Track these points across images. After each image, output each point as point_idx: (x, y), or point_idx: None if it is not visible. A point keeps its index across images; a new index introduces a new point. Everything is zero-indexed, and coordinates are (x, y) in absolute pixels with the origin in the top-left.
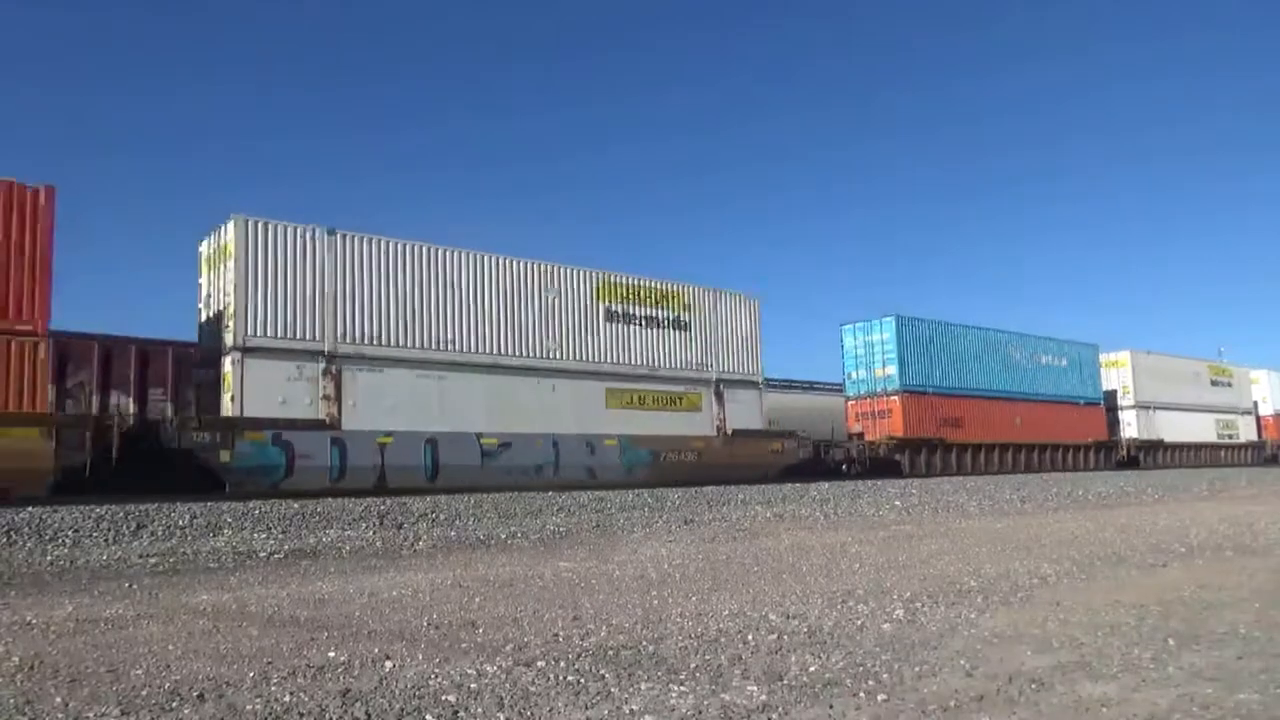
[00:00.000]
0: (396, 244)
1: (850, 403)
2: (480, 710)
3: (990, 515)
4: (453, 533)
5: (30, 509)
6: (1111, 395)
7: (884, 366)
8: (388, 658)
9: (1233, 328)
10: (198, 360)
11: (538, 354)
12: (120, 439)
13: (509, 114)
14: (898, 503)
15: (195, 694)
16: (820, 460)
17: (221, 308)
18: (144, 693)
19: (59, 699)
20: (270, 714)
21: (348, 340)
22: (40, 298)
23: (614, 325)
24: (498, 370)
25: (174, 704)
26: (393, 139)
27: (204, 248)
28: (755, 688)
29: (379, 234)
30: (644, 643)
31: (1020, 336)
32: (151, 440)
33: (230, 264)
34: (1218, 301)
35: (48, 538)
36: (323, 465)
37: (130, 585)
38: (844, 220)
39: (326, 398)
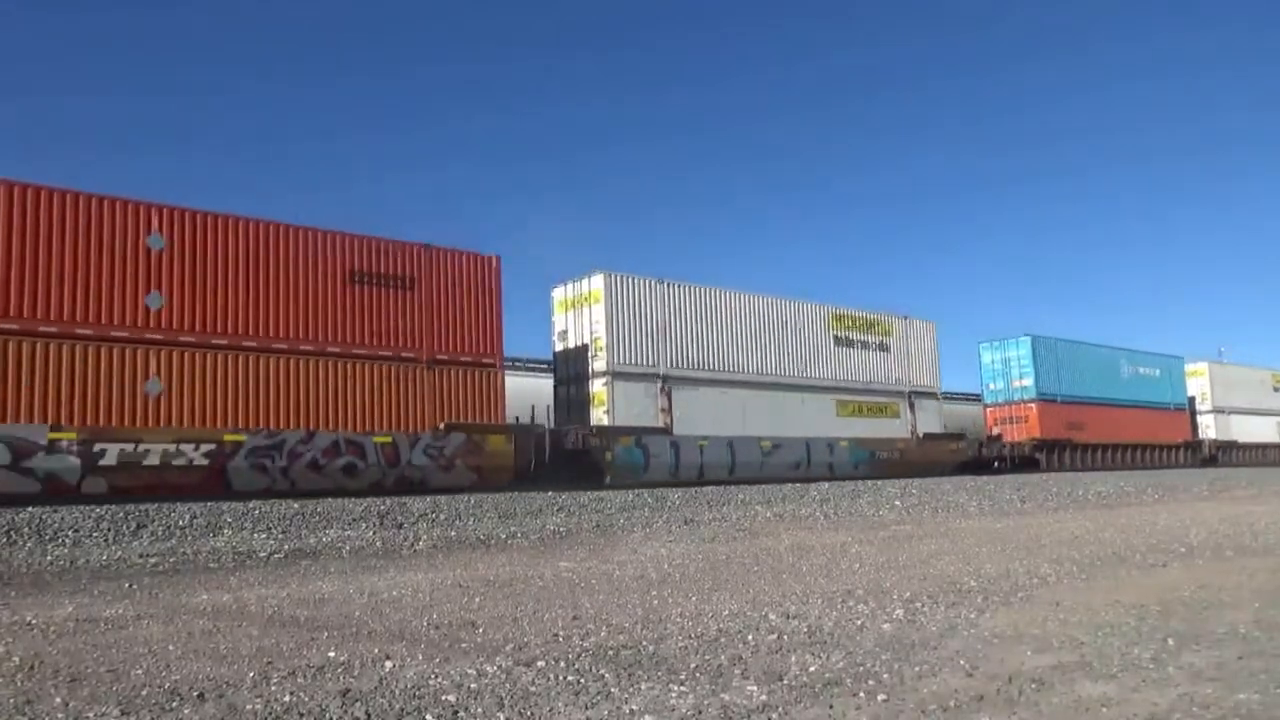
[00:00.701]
0: (701, 289)
1: (989, 409)
2: (480, 710)
3: (990, 515)
4: (453, 533)
5: (30, 509)
6: (1192, 401)
7: (1020, 378)
8: (388, 658)
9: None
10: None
11: (795, 374)
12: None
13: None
14: (898, 503)
15: (195, 694)
16: (979, 457)
17: (589, 340)
18: (144, 693)
19: (59, 699)
20: (270, 714)
21: (674, 366)
22: (496, 339)
23: (840, 349)
24: (771, 387)
25: (174, 704)
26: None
27: (560, 293)
28: (755, 688)
29: (690, 281)
30: (644, 643)
31: (1125, 351)
32: (558, 445)
33: (598, 308)
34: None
35: (48, 538)
36: (666, 463)
37: (130, 585)
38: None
39: (663, 410)
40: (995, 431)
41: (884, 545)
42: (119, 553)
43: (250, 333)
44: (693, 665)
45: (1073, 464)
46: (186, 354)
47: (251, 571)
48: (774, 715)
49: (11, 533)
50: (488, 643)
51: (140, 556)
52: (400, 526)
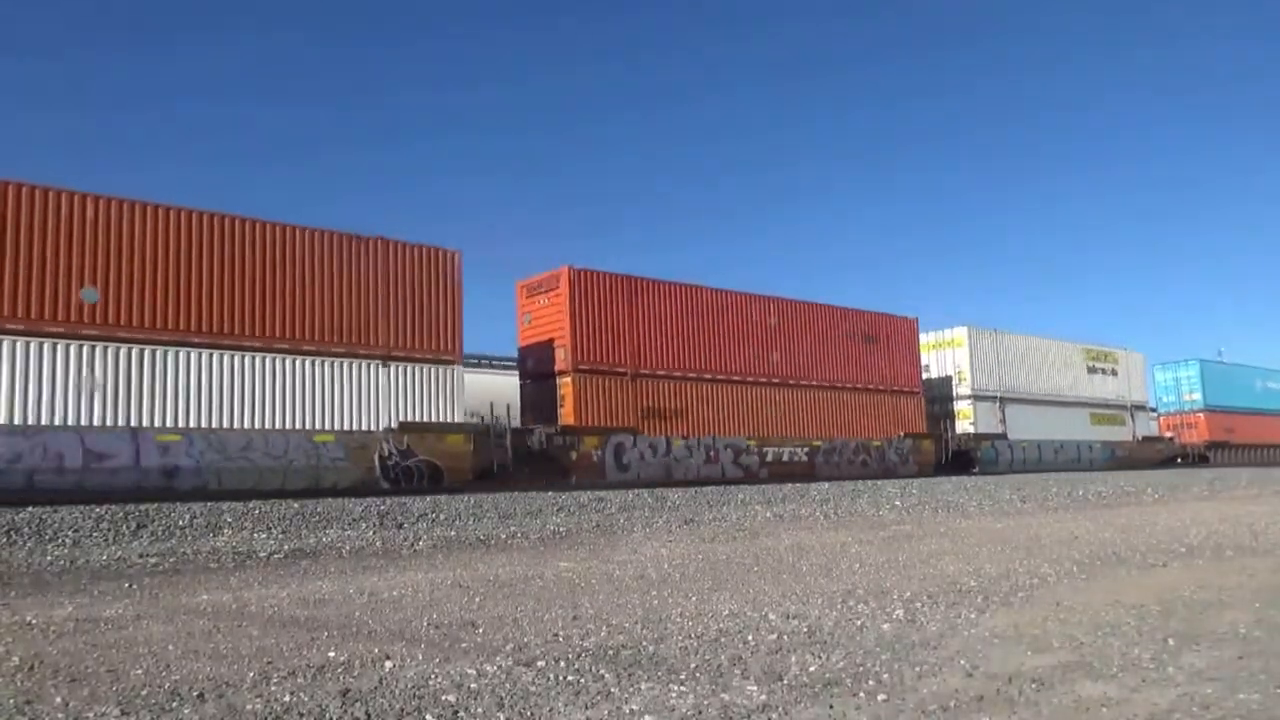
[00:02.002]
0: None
1: (1162, 417)
2: (480, 710)
3: (990, 515)
4: (452, 533)
5: (30, 509)
6: None
7: (1190, 393)
8: (388, 658)
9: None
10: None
11: (1071, 393)
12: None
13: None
14: (898, 503)
15: (195, 694)
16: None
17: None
18: (144, 693)
19: (59, 699)
20: (270, 714)
21: (1009, 389)
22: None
23: (1091, 375)
24: (1058, 405)
25: (174, 704)
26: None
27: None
28: (755, 688)
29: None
30: (644, 643)
31: (1259, 370)
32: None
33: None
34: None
35: (48, 538)
36: (1006, 459)
37: (130, 585)
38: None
39: (1001, 420)
40: (1168, 435)
41: (884, 545)
42: (119, 553)
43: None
44: (693, 665)
45: (1229, 461)
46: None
47: (251, 571)
48: (774, 715)
49: (11, 533)
50: (488, 643)
51: (140, 556)
52: (400, 526)
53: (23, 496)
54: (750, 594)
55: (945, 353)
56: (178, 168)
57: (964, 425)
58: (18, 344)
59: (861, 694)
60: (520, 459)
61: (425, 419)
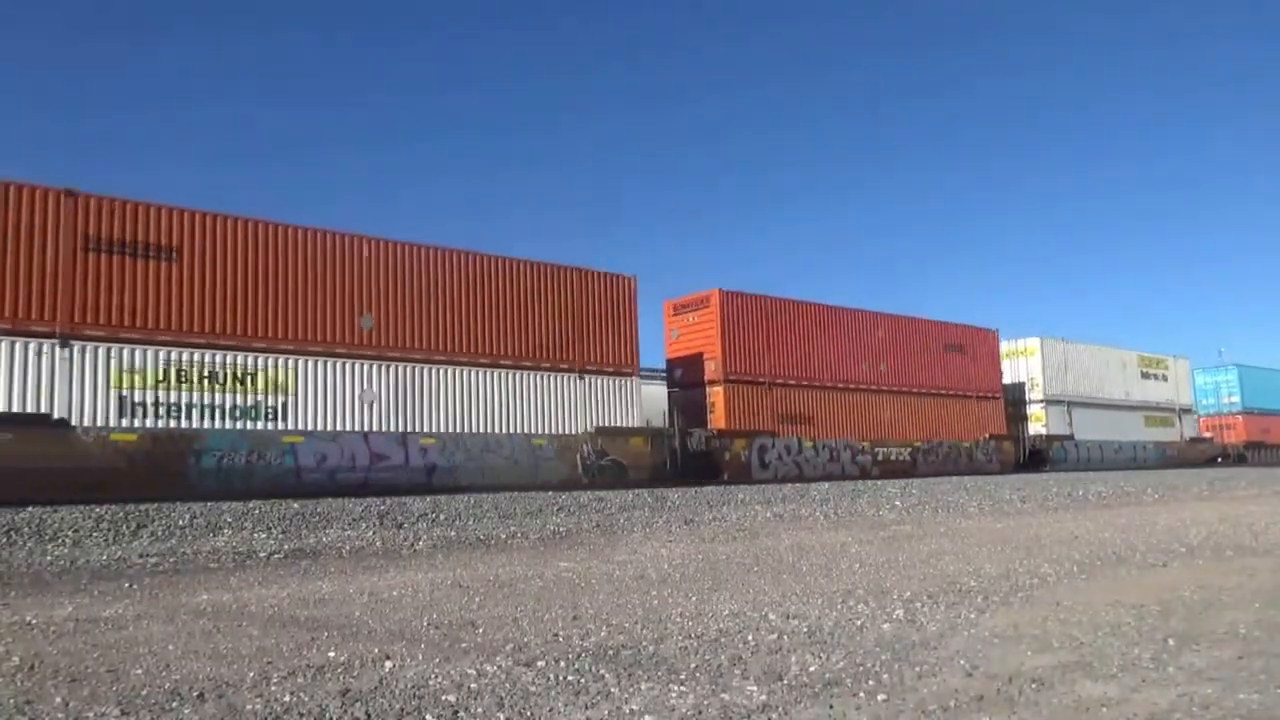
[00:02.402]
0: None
1: (1202, 419)
2: (480, 710)
3: (990, 515)
4: (453, 533)
5: (30, 509)
6: None
7: (1229, 396)
8: (388, 658)
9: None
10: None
11: (1127, 397)
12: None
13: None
14: (898, 503)
15: (195, 694)
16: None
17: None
18: (144, 693)
19: (59, 699)
20: (270, 714)
21: (1075, 394)
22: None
23: (1144, 381)
24: (1117, 408)
25: (174, 704)
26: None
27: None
28: (755, 688)
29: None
30: (644, 643)
31: None
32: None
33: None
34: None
35: (48, 538)
36: (1074, 458)
37: (130, 585)
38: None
39: (1069, 423)
40: (1207, 435)
41: (884, 545)
42: (119, 553)
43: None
44: (693, 665)
45: (1265, 461)
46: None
47: (252, 571)
48: (774, 715)
49: (11, 533)
50: (488, 643)
51: (140, 556)
52: (400, 526)
53: (324, 490)
54: (750, 594)
55: (1019, 361)
56: (177, 167)
57: (1036, 427)
58: (316, 363)
59: (861, 694)
60: (683, 458)
61: (612, 424)
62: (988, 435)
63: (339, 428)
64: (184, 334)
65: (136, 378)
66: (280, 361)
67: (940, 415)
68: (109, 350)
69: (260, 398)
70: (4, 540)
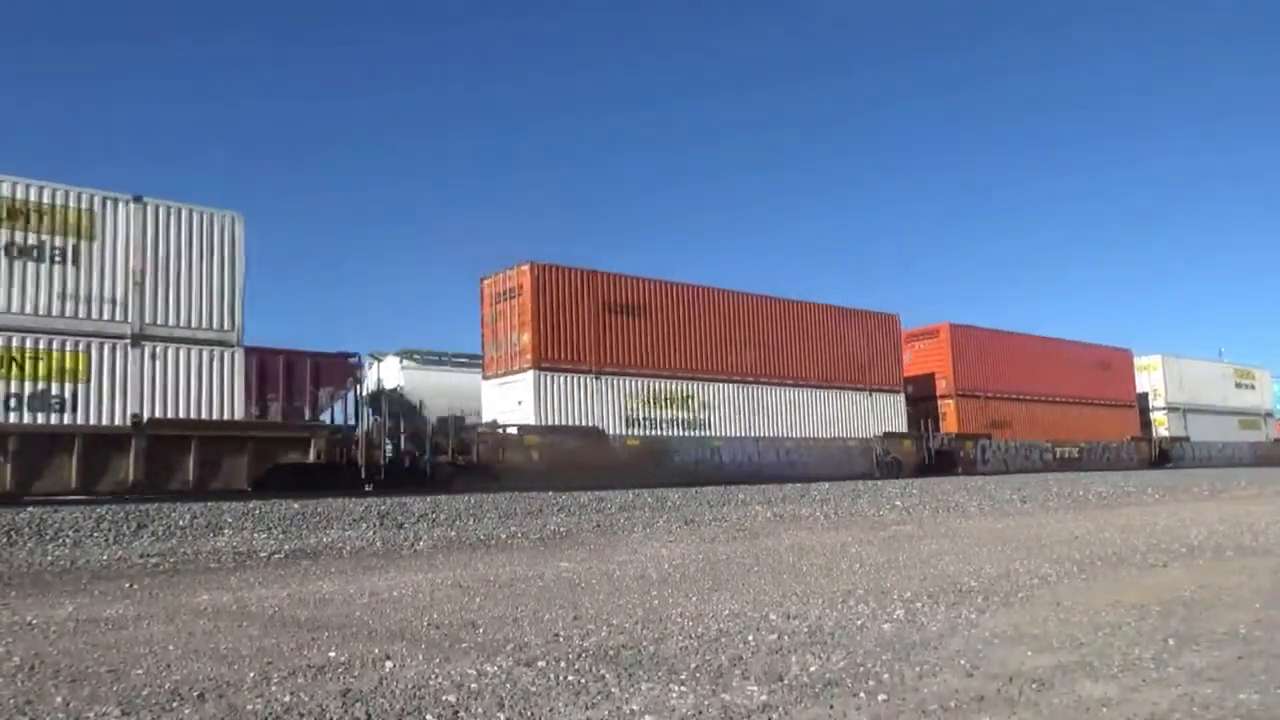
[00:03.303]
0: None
1: (1277, 422)
2: (480, 710)
3: (990, 515)
4: (453, 533)
5: (30, 509)
6: None
7: None
8: (388, 658)
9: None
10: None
11: (1225, 404)
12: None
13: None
14: (898, 503)
15: (196, 694)
16: None
17: None
18: (144, 693)
19: (59, 699)
20: (270, 714)
21: (1188, 402)
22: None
23: (1238, 389)
24: (1219, 414)
25: (174, 704)
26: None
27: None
28: (756, 688)
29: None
30: (644, 643)
31: None
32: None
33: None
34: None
35: (48, 538)
36: (1190, 456)
37: (130, 585)
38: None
39: (1184, 426)
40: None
41: (884, 545)
42: (119, 553)
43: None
44: (693, 665)
45: None
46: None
47: (252, 571)
48: (774, 715)
49: (11, 533)
50: (488, 643)
51: (141, 556)
52: (400, 526)
53: (736, 478)
54: (750, 594)
55: (1143, 374)
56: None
57: (1160, 430)
58: (723, 386)
59: (862, 694)
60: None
61: (890, 430)
62: (1129, 437)
63: (735, 434)
64: (655, 369)
65: (634, 401)
66: (704, 386)
67: (1096, 420)
68: (619, 381)
69: (696, 413)
70: (5, 540)
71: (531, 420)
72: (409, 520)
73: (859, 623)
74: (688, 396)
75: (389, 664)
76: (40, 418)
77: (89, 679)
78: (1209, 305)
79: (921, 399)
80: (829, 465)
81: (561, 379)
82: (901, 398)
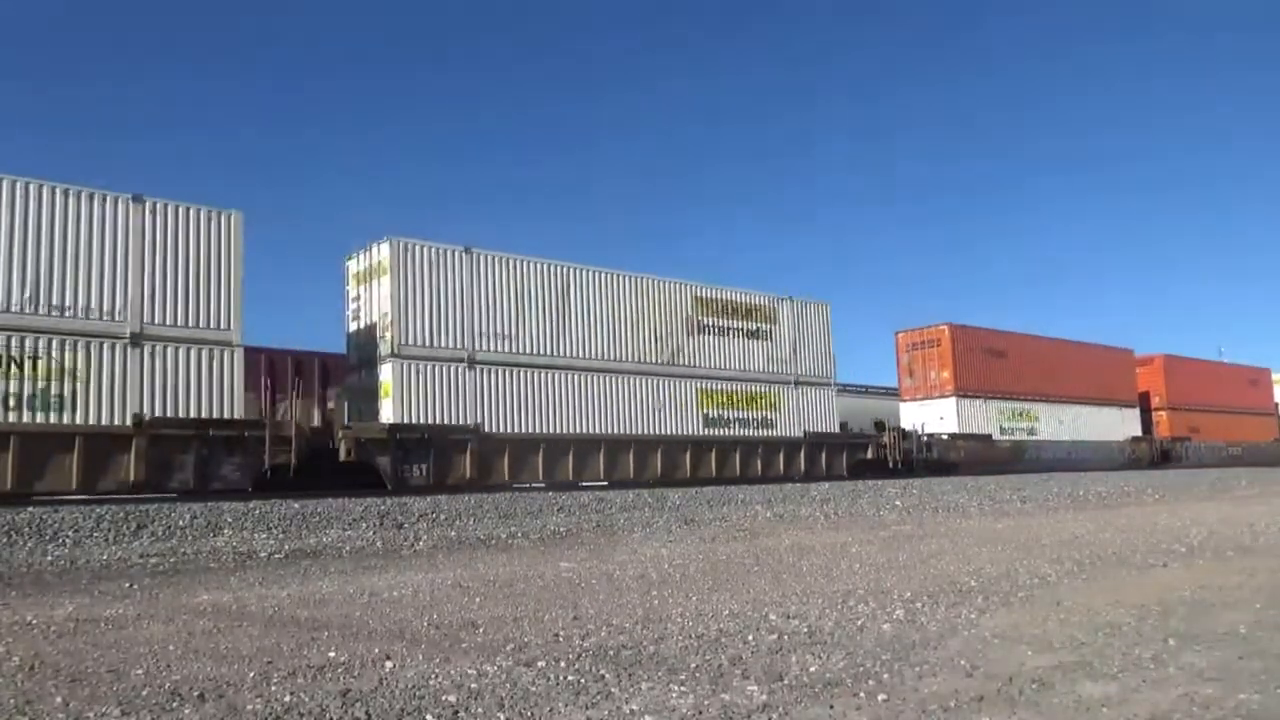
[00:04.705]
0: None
1: None
2: (480, 710)
3: (990, 515)
4: (453, 533)
5: (30, 509)
6: None
7: None
8: (388, 658)
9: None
10: None
11: (1233, 405)
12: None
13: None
14: (898, 503)
15: (196, 694)
16: None
17: None
18: (144, 692)
19: (59, 699)
20: (270, 714)
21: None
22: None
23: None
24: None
25: (174, 704)
26: (417, 134)
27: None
28: (755, 688)
29: None
30: (644, 643)
31: None
32: None
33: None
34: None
35: (48, 538)
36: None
37: (130, 585)
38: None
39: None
40: None
41: (884, 545)
42: (119, 553)
43: None
44: (693, 665)
45: None
46: None
47: (252, 571)
48: (774, 715)
49: (12, 533)
50: (488, 643)
51: (140, 556)
52: (400, 526)
53: (1055, 467)
54: (750, 594)
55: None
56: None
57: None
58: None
59: (862, 694)
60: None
61: (1133, 435)
62: (1273, 438)
63: (1051, 439)
64: (1013, 394)
65: (1003, 416)
66: (1038, 406)
67: (1247, 426)
68: (998, 404)
69: (1034, 423)
70: (5, 540)
71: (955, 430)
72: (409, 520)
73: (859, 623)
74: (1032, 413)
75: (389, 664)
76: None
77: (89, 679)
78: (1207, 305)
79: (1141, 410)
80: (1099, 460)
81: (969, 402)
82: (1137, 411)
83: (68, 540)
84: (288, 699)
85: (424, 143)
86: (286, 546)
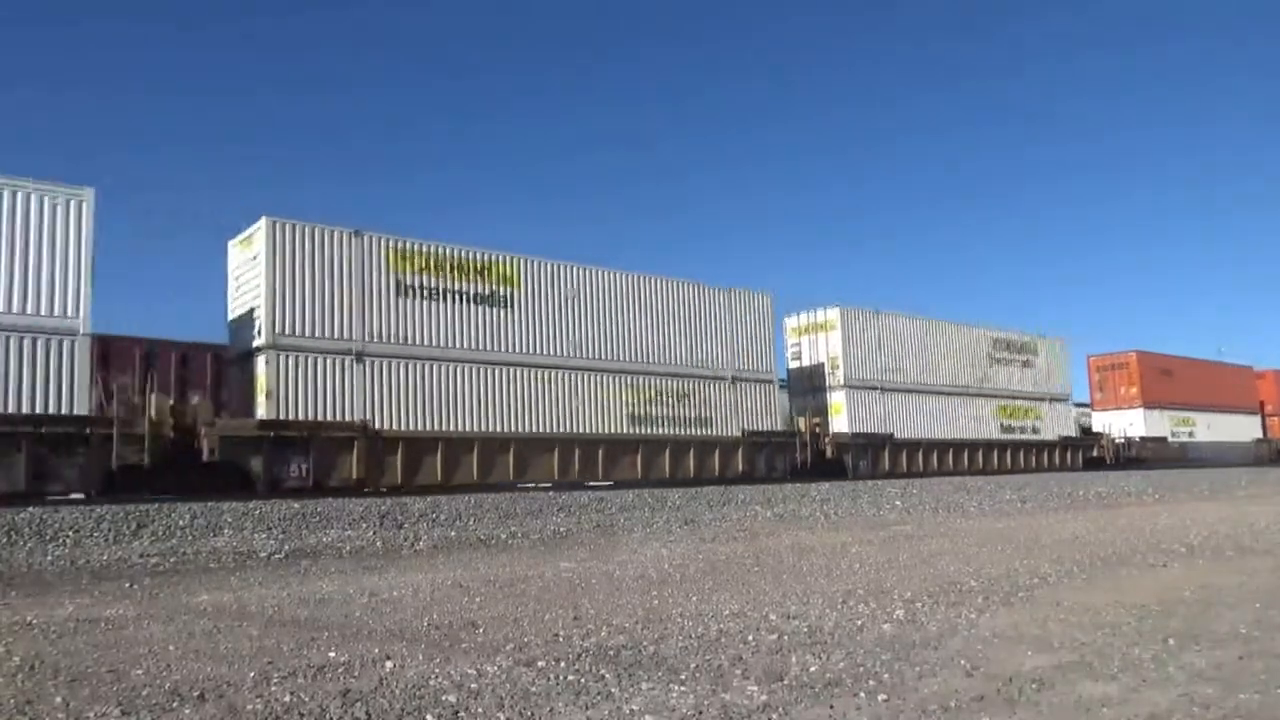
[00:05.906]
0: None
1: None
2: (480, 710)
3: (990, 515)
4: (453, 533)
5: (30, 509)
6: None
7: None
8: (388, 658)
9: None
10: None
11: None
12: None
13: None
14: (898, 503)
15: (195, 694)
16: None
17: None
18: (144, 693)
19: (59, 699)
20: (270, 714)
21: (1172, 400)
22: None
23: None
24: (1217, 412)
25: (174, 704)
26: (412, 140)
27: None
28: (756, 688)
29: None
30: (645, 643)
31: None
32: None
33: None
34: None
35: (48, 538)
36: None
37: (130, 585)
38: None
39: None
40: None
41: (884, 545)
42: (119, 553)
43: None
44: (693, 665)
45: None
46: None
47: (252, 571)
48: (774, 715)
49: (11, 533)
50: (488, 643)
51: (140, 556)
52: (400, 526)
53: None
54: (751, 594)
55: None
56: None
57: (1134, 430)
58: None
59: (862, 694)
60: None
61: (1258, 437)
62: (1254, 438)
63: (1205, 440)
64: (1171, 404)
65: (1169, 421)
66: (1196, 415)
67: (1231, 425)
68: (1171, 413)
69: (1192, 429)
70: (5, 540)
71: (1143, 434)
72: (409, 520)
73: (859, 623)
74: (1191, 420)
75: (389, 664)
76: None
77: (89, 679)
78: (1206, 305)
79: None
80: (1238, 457)
81: (1151, 412)
82: (1258, 417)
83: (68, 540)
84: (288, 699)
85: (424, 143)
86: (286, 546)
